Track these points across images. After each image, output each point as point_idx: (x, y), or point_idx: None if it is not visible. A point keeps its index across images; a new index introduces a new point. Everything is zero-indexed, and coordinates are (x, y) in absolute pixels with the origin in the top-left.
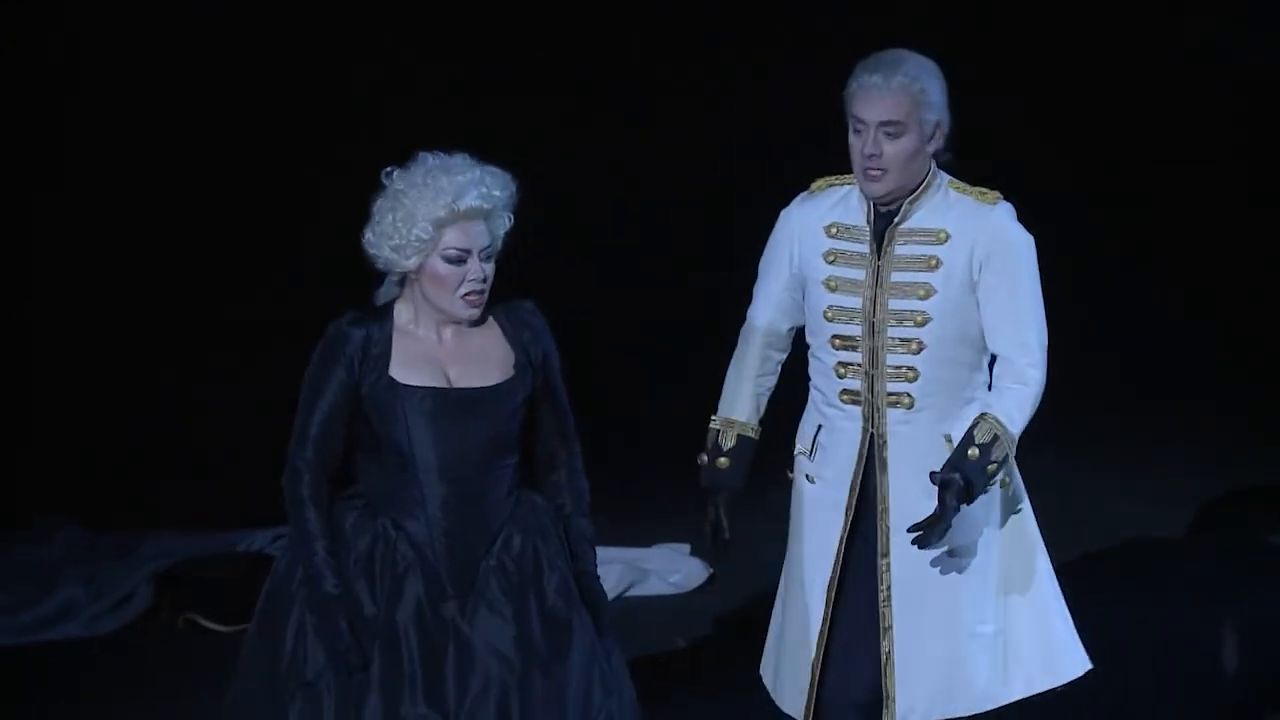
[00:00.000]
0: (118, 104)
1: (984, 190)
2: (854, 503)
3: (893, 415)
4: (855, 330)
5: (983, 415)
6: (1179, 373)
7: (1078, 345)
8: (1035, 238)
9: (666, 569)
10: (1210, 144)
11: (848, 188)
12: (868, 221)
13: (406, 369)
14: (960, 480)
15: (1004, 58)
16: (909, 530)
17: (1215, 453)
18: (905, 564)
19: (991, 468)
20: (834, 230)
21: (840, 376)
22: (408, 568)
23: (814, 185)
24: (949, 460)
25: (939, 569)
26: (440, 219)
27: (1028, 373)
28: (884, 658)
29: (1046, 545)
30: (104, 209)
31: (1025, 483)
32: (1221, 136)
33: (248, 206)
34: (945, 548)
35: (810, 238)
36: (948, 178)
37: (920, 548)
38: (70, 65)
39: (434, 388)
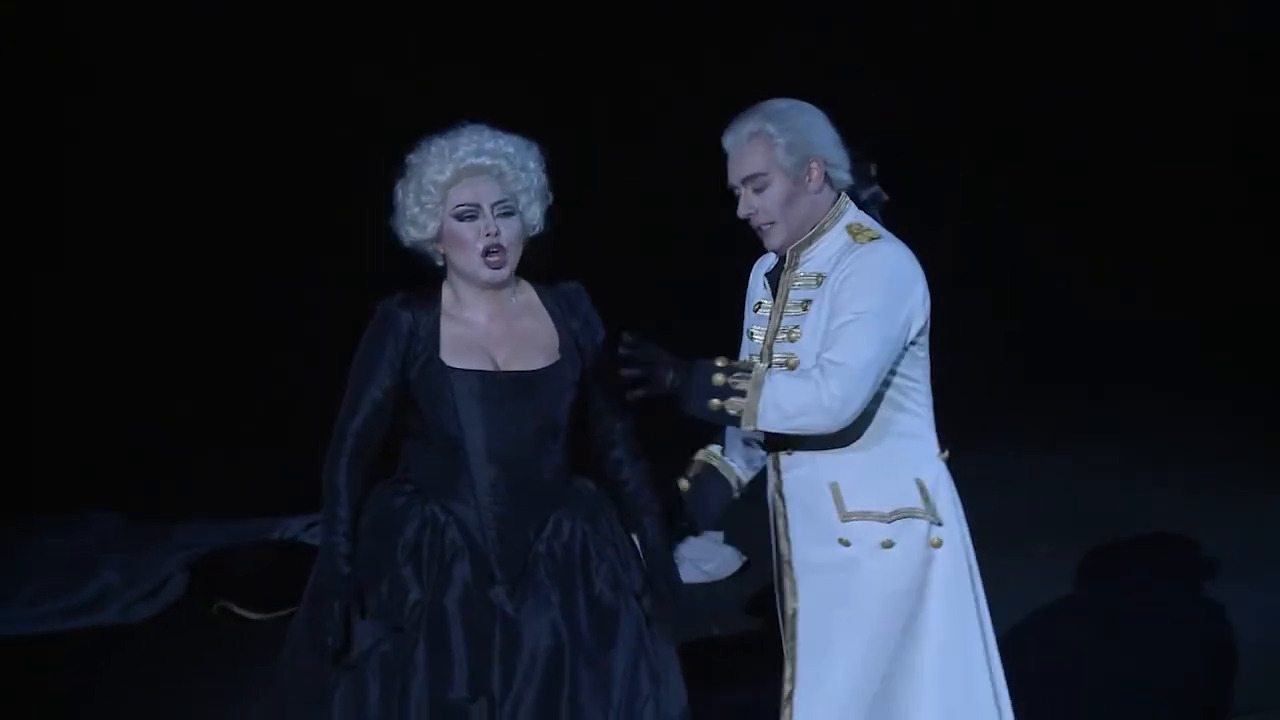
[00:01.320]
0: (138, 101)
1: (868, 230)
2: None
3: (784, 460)
4: None
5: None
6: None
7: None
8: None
9: (701, 557)
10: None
11: None
12: (778, 271)
13: (454, 352)
14: (677, 368)
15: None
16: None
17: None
18: (808, 619)
19: (718, 379)
20: (763, 283)
21: None
22: (456, 553)
23: None
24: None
25: (837, 631)
26: (443, 180)
27: (826, 379)
28: (785, 708)
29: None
30: (130, 201)
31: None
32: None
33: (273, 198)
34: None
35: (753, 292)
36: (851, 221)
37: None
38: (73, 58)
39: (482, 371)
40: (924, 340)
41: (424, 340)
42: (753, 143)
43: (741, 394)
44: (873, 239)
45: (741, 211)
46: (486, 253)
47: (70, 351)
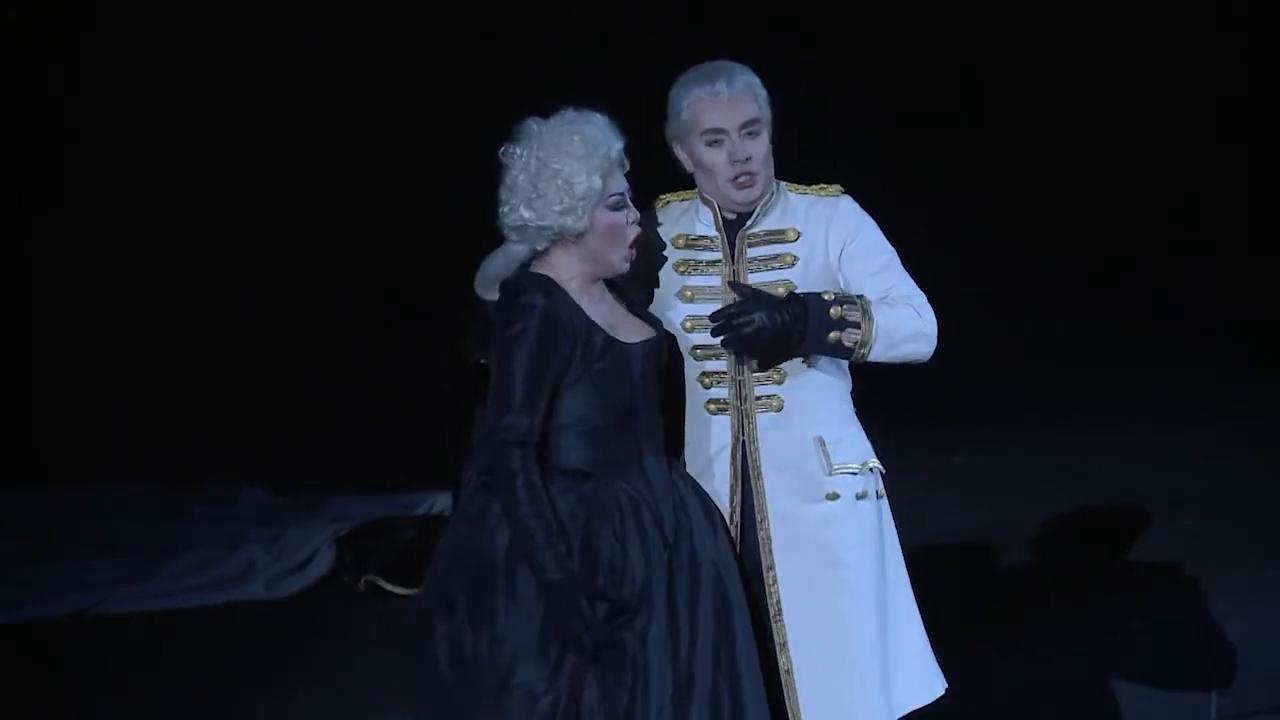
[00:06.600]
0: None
1: (823, 186)
2: (736, 517)
3: (762, 420)
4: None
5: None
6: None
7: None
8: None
9: None
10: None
11: (688, 202)
12: (718, 229)
13: (614, 331)
14: (798, 303)
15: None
16: (711, 319)
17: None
18: (790, 575)
19: (835, 312)
20: (681, 242)
21: (706, 387)
22: (645, 526)
23: (657, 202)
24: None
25: (826, 582)
26: (603, 168)
27: (918, 308)
28: (782, 674)
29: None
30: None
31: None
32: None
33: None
34: (831, 563)
35: (658, 254)
36: (784, 183)
37: (713, 335)
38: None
39: (647, 341)
40: None
41: (581, 326)
42: (746, 93)
43: (856, 325)
44: (839, 191)
45: (738, 155)
46: (632, 239)
47: (214, 326)
